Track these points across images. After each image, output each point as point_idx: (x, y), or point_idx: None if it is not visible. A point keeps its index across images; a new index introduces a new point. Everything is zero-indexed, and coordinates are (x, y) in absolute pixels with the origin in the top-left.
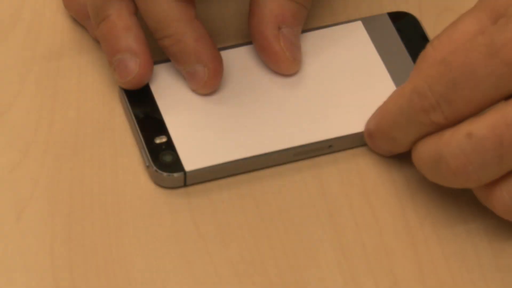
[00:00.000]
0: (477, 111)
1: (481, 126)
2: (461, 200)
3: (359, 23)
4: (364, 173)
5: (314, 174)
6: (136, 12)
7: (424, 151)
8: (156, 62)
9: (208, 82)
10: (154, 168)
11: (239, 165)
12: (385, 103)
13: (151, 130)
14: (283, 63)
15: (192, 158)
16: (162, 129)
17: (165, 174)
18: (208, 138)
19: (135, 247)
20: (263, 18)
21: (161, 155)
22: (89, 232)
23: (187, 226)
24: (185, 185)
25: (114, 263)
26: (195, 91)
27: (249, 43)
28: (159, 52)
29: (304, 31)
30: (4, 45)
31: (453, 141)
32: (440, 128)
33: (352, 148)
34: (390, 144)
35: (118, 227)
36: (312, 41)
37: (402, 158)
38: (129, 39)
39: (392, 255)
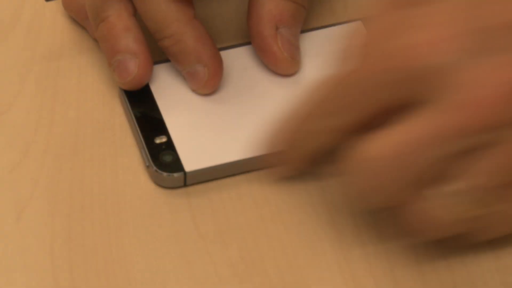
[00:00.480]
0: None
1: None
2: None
3: (359, 23)
4: None
5: (314, 174)
6: (135, 13)
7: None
8: (156, 62)
9: (208, 82)
10: (154, 168)
11: (239, 165)
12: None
13: (151, 130)
14: (281, 63)
15: (192, 158)
16: (162, 129)
17: (165, 174)
18: (208, 138)
19: (135, 247)
20: (261, 19)
21: (161, 155)
22: (89, 232)
23: (187, 226)
24: (185, 185)
25: (114, 263)
26: (195, 91)
27: (249, 43)
28: (159, 52)
29: (304, 31)
30: (4, 45)
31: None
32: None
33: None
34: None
35: (118, 227)
36: (312, 41)
37: None
38: (128, 39)
39: (392, 255)
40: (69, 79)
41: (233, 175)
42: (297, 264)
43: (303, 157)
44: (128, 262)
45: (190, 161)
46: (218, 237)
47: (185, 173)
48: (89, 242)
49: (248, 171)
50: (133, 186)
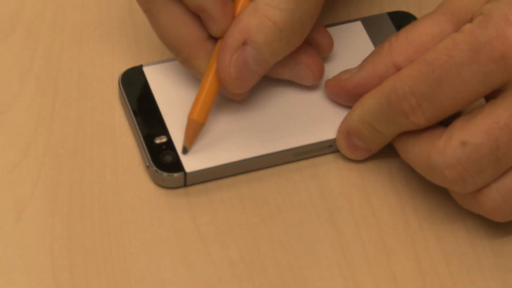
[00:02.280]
0: (460, 109)
1: (475, 133)
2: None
3: (359, 23)
4: (364, 173)
5: (314, 174)
6: None
7: (415, 153)
8: (156, 62)
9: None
10: (154, 168)
11: (239, 165)
12: (364, 100)
13: (151, 130)
14: (223, 73)
15: (192, 159)
16: (162, 129)
17: (165, 174)
18: (208, 139)
19: (135, 247)
20: (236, 25)
21: (161, 155)
22: (89, 232)
23: (187, 226)
24: (185, 185)
25: (114, 263)
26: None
27: None
28: (159, 52)
29: None
30: (4, 45)
31: (448, 150)
32: (420, 127)
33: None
34: (371, 138)
35: (118, 227)
36: None
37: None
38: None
39: (392, 255)
40: (69, 79)
41: (233, 175)
42: (297, 264)
43: (382, 140)
44: (128, 262)
45: (190, 162)
46: (218, 237)
47: (185, 173)
48: (89, 242)
49: (248, 171)
50: (133, 186)
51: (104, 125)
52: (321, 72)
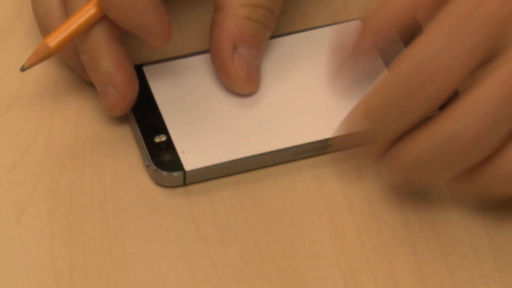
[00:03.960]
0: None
1: (487, 86)
2: (461, 200)
3: (359, 22)
4: (364, 173)
5: (314, 174)
6: (120, 35)
7: (417, 146)
8: (156, 62)
9: (116, 104)
10: (154, 167)
11: (238, 164)
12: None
13: (151, 129)
14: (236, 83)
15: (191, 158)
16: (161, 128)
17: (164, 173)
18: (207, 137)
19: (135, 247)
20: (220, 36)
21: (160, 154)
22: (89, 232)
23: (187, 226)
24: (184, 184)
25: (114, 263)
26: (107, 110)
27: None
28: (160, 52)
29: (304, 30)
30: (4, 45)
31: (464, 112)
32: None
33: (352, 147)
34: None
35: (118, 227)
36: (312, 40)
37: None
38: (109, 70)
39: (392, 255)
40: (69, 79)
41: (233, 174)
42: (297, 264)
43: (393, 134)
44: (128, 262)
45: (190, 160)
46: (218, 237)
47: (184, 172)
48: (89, 242)
49: (248, 170)
50: (133, 186)
51: (104, 125)
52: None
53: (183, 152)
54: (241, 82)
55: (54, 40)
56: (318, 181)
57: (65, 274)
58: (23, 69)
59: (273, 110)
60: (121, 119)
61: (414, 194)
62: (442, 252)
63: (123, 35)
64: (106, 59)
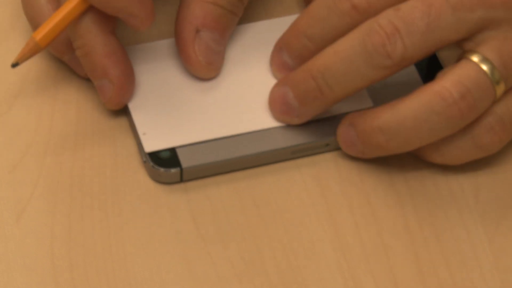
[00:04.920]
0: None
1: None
2: (461, 200)
3: None
4: (364, 173)
5: (314, 173)
6: (114, 29)
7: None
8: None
9: (113, 98)
10: (151, 163)
11: (236, 162)
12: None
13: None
14: (194, 66)
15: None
16: (128, 112)
17: (161, 169)
18: (169, 119)
19: (135, 247)
20: (183, 19)
21: (158, 150)
22: (89, 232)
23: (187, 226)
24: (181, 180)
25: (114, 263)
26: (105, 105)
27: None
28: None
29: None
30: (4, 45)
31: (380, 17)
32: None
33: None
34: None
35: (118, 227)
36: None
37: (402, 158)
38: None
39: (392, 255)
40: (69, 79)
41: (230, 171)
42: (297, 264)
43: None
44: (128, 262)
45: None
46: (218, 237)
47: (181, 168)
48: (89, 242)
49: (245, 168)
50: (133, 186)
51: (104, 125)
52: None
53: (144, 134)
54: (199, 66)
55: (40, 33)
56: (317, 181)
57: (65, 274)
58: (14, 65)
59: (238, 94)
60: (121, 119)
61: (414, 194)
62: (442, 252)
63: (115, 28)
64: (99, 53)
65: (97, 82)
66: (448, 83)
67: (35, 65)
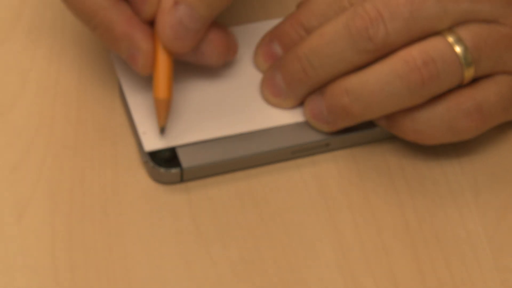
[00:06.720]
0: None
1: None
2: (460, 200)
3: None
4: (364, 173)
5: (314, 173)
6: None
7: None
8: None
9: (147, 63)
10: (151, 164)
11: (236, 162)
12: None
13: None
14: (161, 36)
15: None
16: (128, 113)
17: (162, 169)
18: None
19: (135, 247)
20: None
21: (158, 150)
22: (89, 232)
23: (187, 226)
24: (182, 180)
25: (114, 263)
26: (139, 73)
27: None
28: None
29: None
30: (5, 46)
31: (366, 1)
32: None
33: (351, 147)
34: None
35: (118, 227)
36: None
37: (402, 158)
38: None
39: (392, 255)
40: (69, 79)
41: (231, 171)
42: (297, 264)
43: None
44: (128, 261)
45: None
46: (218, 237)
47: (182, 169)
48: (90, 242)
49: (245, 168)
50: (133, 186)
51: (104, 125)
52: (226, 48)
53: (144, 133)
54: (166, 38)
55: (165, 90)
56: (317, 181)
57: (65, 274)
58: (162, 131)
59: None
60: (121, 119)
61: (414, 194)
62: (442, 252)
63: None
64: (119, 24)
65: (125, 54)
66: (415, 51)
67: (35, 65)
